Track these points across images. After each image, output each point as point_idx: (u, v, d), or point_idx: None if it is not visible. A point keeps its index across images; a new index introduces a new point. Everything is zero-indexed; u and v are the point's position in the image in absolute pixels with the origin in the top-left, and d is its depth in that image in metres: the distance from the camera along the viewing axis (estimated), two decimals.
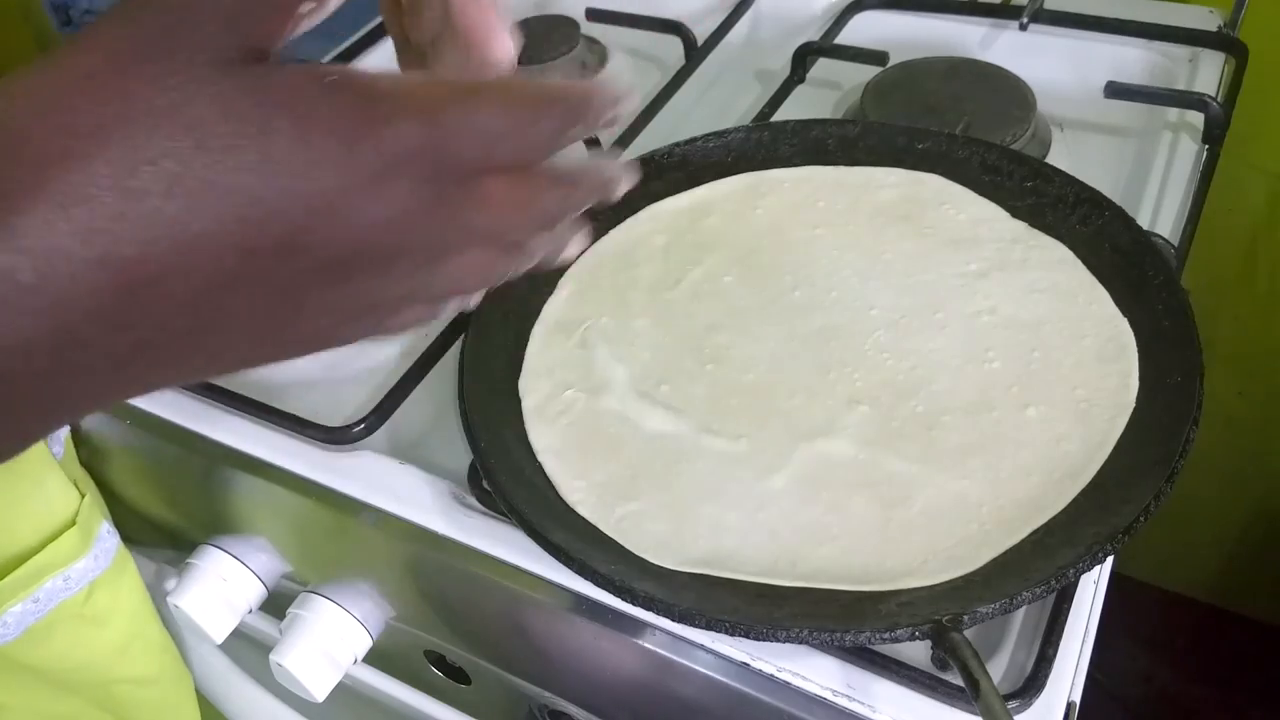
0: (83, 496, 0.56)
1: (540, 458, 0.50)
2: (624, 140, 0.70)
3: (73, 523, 0.55)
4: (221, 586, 0.58)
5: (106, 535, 0.57)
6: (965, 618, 0.39)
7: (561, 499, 0.48)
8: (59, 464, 0.56)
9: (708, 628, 0.41)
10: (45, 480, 0.54)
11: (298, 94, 0.25)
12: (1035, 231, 0.56)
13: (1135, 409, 0.47)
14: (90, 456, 0.62)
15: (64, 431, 0.59)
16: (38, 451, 0.54)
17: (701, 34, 0.79)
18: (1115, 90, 0.67)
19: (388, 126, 0.25)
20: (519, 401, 0.53)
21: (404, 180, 0.25)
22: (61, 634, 0.55)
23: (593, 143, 0.68)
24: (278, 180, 0.24)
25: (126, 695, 0.60)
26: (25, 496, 0.53)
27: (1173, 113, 0.68)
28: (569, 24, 0.83)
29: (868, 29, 0.78)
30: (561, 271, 0.58)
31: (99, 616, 0.57)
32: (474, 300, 0.33)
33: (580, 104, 0.28)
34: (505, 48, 0.33)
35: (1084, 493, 0.45)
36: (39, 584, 0.53)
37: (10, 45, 1.34)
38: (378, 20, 0.87)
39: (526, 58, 0.81)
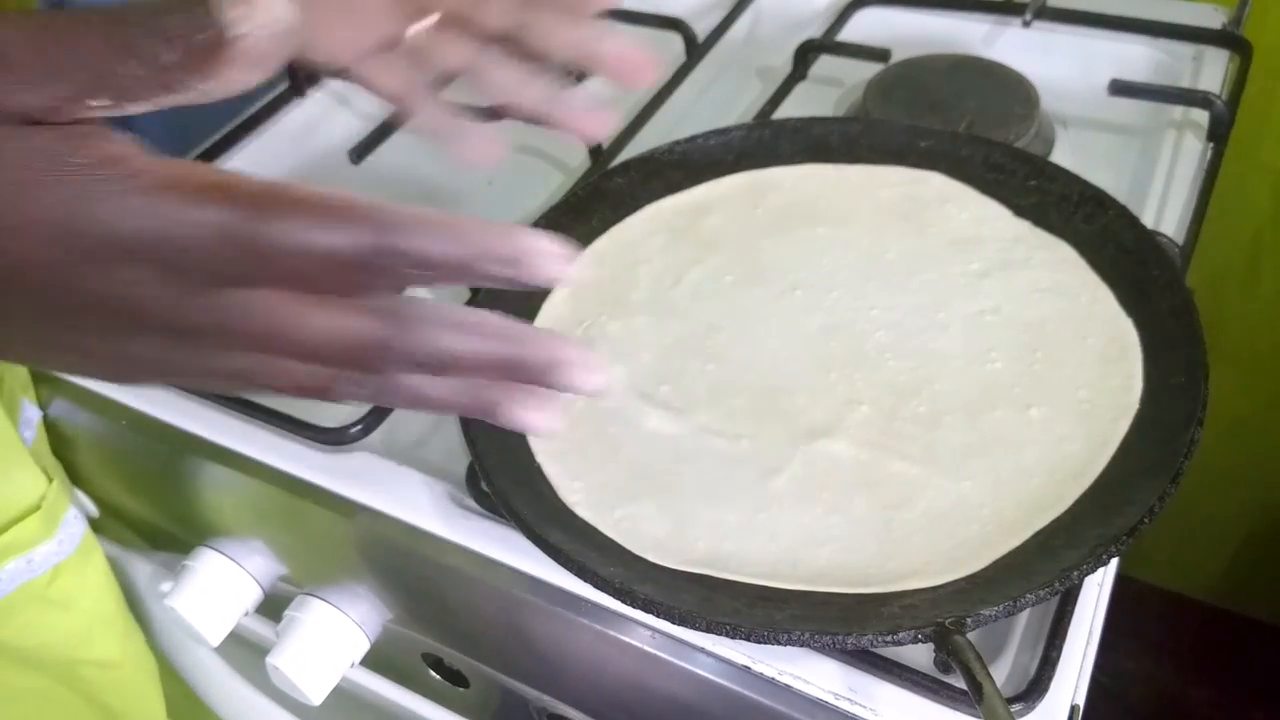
0: (50, 482, 0.57)
1: (539, 459, 0.50)
2: (624, 138, 0.69)
3: (38, 507, 0.55)
4: (218, 589, 0.58)
5: (72, 521, 0.58)
6: (968, 620, 0.38)
7: (560, 500, 0.48)
8: (28, 450, 0.57)
9: (708, 631, 0.40)
10: (12, 465, 0.55)
11: (53, 162, 0.27)
12: (1038, 230, 0.56)
13: (1139, 409, 0.47)
14: (85, 458, 0.62)
15: (35, 416, 0.60)
16: (6, 437, 0.55)
17: (702, 31, 0.78)
18: (1119, 88, 0.66)
19: (117, 207, 0.26)
20: None
21: (139, 262, 0.26)
22: (25, 614, 0.56)
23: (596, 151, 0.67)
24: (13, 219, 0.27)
25: (92, 676, 0.61)
26: None
27: (1177, 110, 0.67)
28: None
29: (870, 26, 0.77)
30: None
31: (63, 600, 0.58)
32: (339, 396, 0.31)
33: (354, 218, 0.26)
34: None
35: (1087, 494, 0.44)
36: (1, 565, 0.54)
37: None
38: None
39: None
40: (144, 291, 0.27)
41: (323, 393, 0.29)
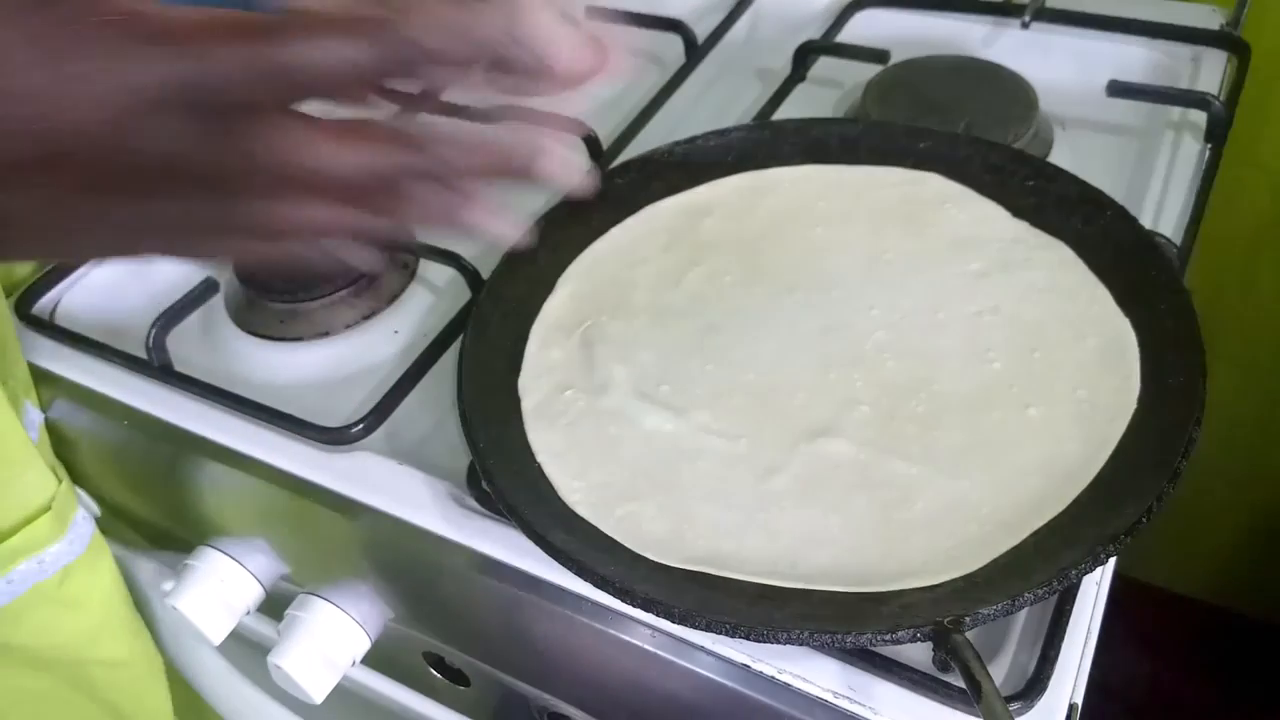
0: (59, 482, 0.57)
1: (539, 458, 0.50)
2: (623, 139, 0.69)
3: (48, 508, 0.55)
4: (219, 588, 0.58)
5: (82, 521, 0.58)
6: (967, 619, 0.39)
7: (561, 499, 0.48)
8: (37, 451, 0.57)
9: (708, 629, 0.40)
10: (24, 466, 0.55)
11: (78, 28, 0.28)
12: (1037, 231, 0.56)
13: (1137, 409, 0.47)
14: (88, 458, 0.62)
15: (38, 419, 0.60)
16: (17, 438, 0.55)
17: (702, 32, 0.78)
18: (1117, 89, 0.66)
19: (144, 60, 0.28)
20: (518, 401, 0.52)
21: (171, 109, 0.28)
22: (35, 615, 0.56)
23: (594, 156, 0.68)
24: (38, 105, 0.27)
25: (99, 676, 0.61)
26: (3, 481, 0.54)
27: (1175, 112, 0.67)
28: None
29: (869, 27, 0.77)
30: (561, 271, 0.58)
31: (73, 600, 0.58)
32: (369, 260, 0.34)
33: (388, 32, 0.29)
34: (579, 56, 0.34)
35: (1086, 493, 0.44)
36: (13, 566, 0.54)
37: None
38: None
39: None
40: (180, 141, 0.28)
41: (346, 234, 0.32)
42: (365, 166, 0.31)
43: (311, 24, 0.29)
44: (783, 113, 0.71)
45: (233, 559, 0.59)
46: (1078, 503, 0.44)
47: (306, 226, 0.31)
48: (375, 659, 0.58)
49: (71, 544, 0.57)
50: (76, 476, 0.62)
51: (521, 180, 0.32)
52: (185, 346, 0.61)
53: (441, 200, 0.32)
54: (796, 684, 0.43)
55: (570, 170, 0.33)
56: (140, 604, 0.64)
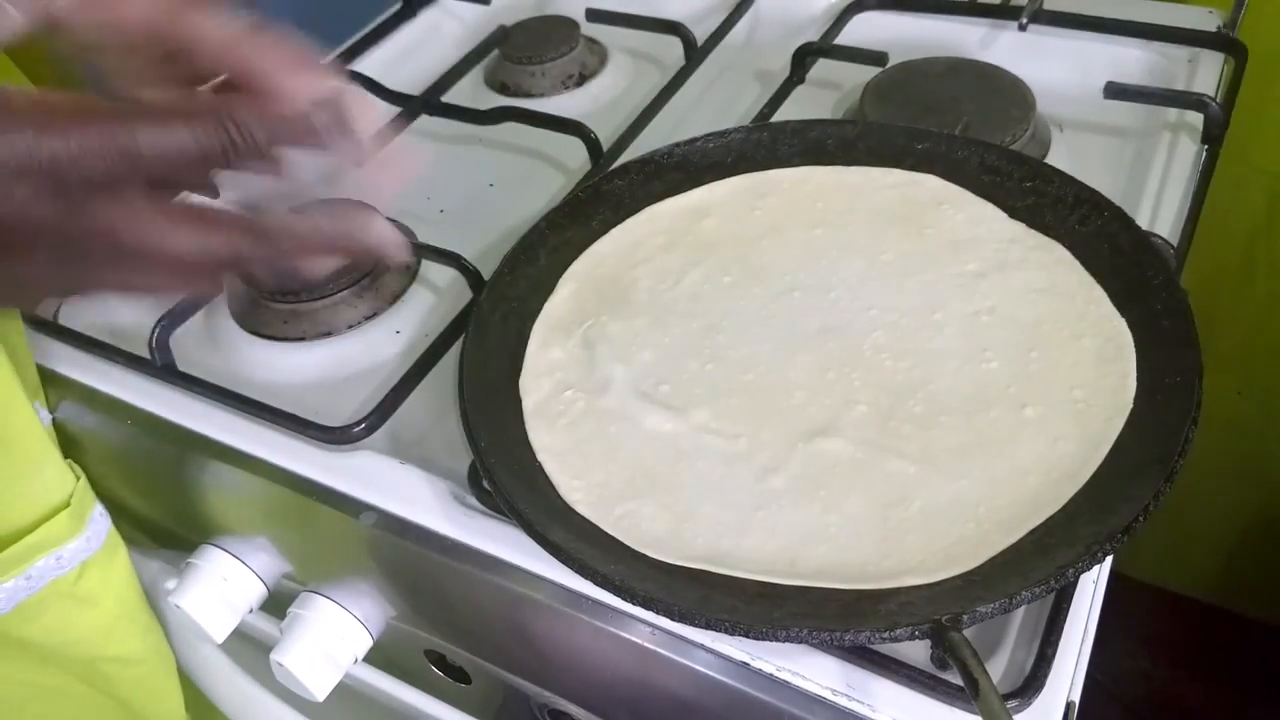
0: (78, 479, 0.58)
1: (540, 457, 0.50)
2: (624, 141, 0.70)
3: (67, 504, 0.56)
4: (222, 586, 0.58)
5: (99, 518, 0.59)
6: (965, 617, 0.39)
7: (561, 498, 0.48)
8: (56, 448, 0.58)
9: (707, 627, 0.41)
10: (43, 462, 0.56)
11: None
12: (1034, 232, 0.56)
13: (1134, 409, 0.47)
14: (91, 456, 0.62)
15: (46, 420, 0.60)
16: (36, 434, 0.56)
17: (701, 34, 0.79)
18: (1114, 91, 0.67)
19: (7, 134, 0.30)
20: (519, 401, 0.53)
21: (29, 181, 0.30)
22: (52, 611, 0.57)
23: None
24: None
25: (113, 673, 0.62)
26: (22, 477, 0.55)
27: (1172, 113, 0.68)
28: (569, 24, 0.83)
29: (867, 29, 0.78)
30: (562, 271, 0.59)
31: (89, 596, 0.58)
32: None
33: (220, 119, 0.32)
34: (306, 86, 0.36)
35: (1083, 492, 0.45)
36: (32, 561, 0.54)
37: None
38: (378, 20, 0.87)
39: (527, 58, 0.81)
40: (35, 209, 0.30)
41: (182, 293, 0.36)
42: (198, 248, 0.33)
43: (160, 112, 0.32)
44: (782, 114, 0.71)
45: (235, 558, 0.59)
46: (1075, 502, 0.44)
47: (144, 290, 0.34)
48: (377, 657, 0.58)
49: (89, 540, 0.57)
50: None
51: (348, 254, 0.38)
52: (188, 346, 0.62)
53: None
54: (795, 681, 0.43)
55: (392, 242, 0.37)
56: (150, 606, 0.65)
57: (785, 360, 0.53)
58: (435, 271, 0.65)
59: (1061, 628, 0.43)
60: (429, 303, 0.64)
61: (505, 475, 0.47)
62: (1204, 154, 0.65)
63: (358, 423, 0.54)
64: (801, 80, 0.75)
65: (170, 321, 0.60)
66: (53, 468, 0.56)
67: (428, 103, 0.75)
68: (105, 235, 0.32)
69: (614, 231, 0.61)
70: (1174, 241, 0.57)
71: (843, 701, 0.43)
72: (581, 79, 0.82)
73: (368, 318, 0.63)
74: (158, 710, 0.65)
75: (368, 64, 0.83)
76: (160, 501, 0.64)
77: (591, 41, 0.84)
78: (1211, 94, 0.67)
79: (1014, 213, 0.57)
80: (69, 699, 0.60)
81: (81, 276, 0.33)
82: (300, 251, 0.35)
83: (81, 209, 0.31)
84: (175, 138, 0.31)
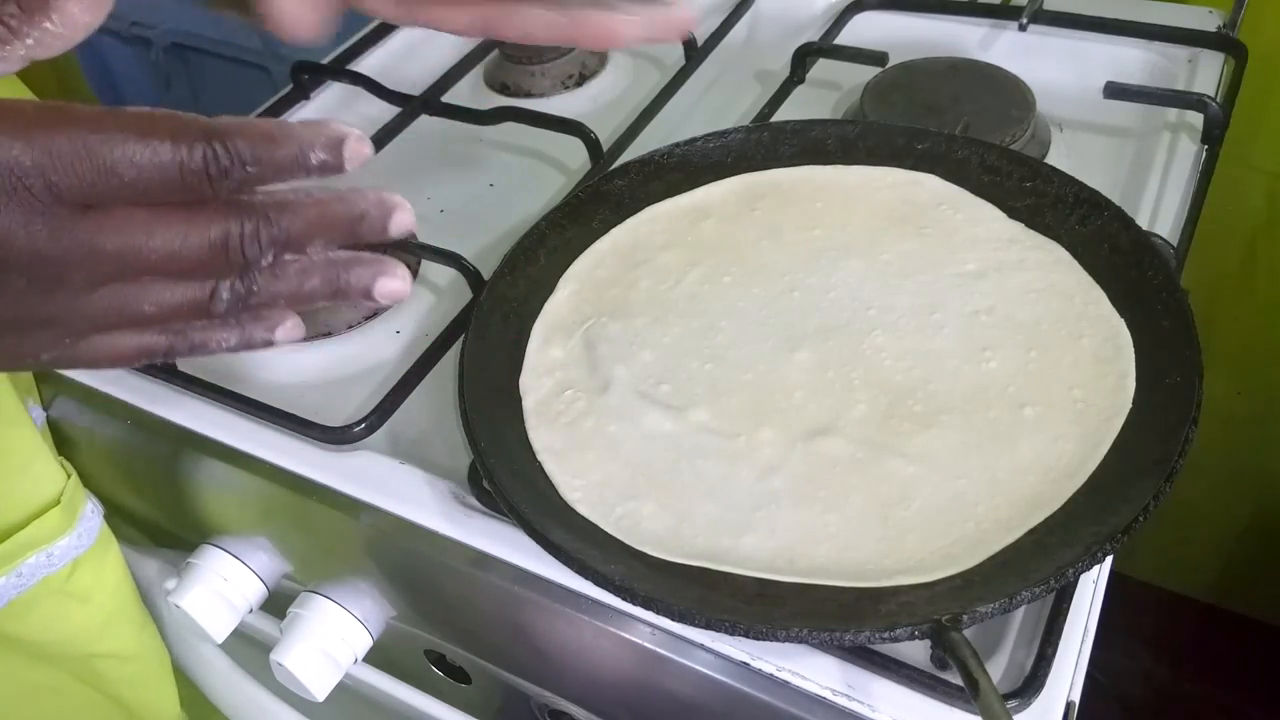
0: (69, 476, 0.57)
1: (540, 457, 0.50)
2: (624, 141, 0.70)
3: (58, 501, 0.56)
4: (222, 586, 0.58)
5: (90, 514, 0.58)
6: (965, 617, 0.39)
7: (561, 498, 0.48)
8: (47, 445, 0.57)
9: (707, 627, 0.41)
10: (32, 459, 0.56)
11: None
12: (1033, 232, 0.56)
13: (1133, 409, 0.47)
14: (90, 457, 0.62)
15: (40, 417, 0.60)
16: (25, 430, 0.56)
17: (701, 34, 0.79)
18: (1114, 91, 0.67)
19: None
20: (519, 401, 0.53)
21: (7, 194, 0.28)
22: (44, 608, 0.56)
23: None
24: None
25: (106, 669, 0.62)
26: (12, 474, 0.54)
27: (1172, 113, 0.68)
28: None
29: (867, 29, 0.78)
30: (562, 271, 0.59)
31: (81, 593, 0.58)
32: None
33: (207, 131, 0.30)
34: None
35: (1083, 492, 0.45)
36: (23, 559, 0.54)
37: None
38: (378, 20, 0.87)
39: (527, 58, 0.81)
40: (19, 231, 0.29)
41: (202, 312, 0.32)
42: (193, 239, 0.31)
43: (142, 125, 0.29)
44: (782, 114, 0.71)
45: (235, 557, 0.59)
46: (1074, 501, 0.44)
47: (160, 309, 0.32)
48: (377, 657, 0.58)
49: (80, 537, 0.57)
50: (78, 476, 0.62)
51: (354, 237, 0.35)
52: None
53: (295, 280, 0.34)
54: (795, 681, 0.43)
55: (395, 211, 0.36)
56: (143, 602, 0.65)
57: (785, 360, 0.53)
58: (435, 271, 0.65)
59: (1061, 628, 0.43)
60: (429, 303, 0.64)
61: (505, 475, 0.47)
62: (1204, 154, 0.65)
63: (358, 423, 0.54)
64: (801, 80, 0.75)
65: None
66: (43, 464, 0.56)
67: (428, 103, 0.75)
68: (83, 245, 0.30)
69: (614, 231, 0.61)
70: (1174, 241, 0.57)
71: (843, 701, 0.43)
72: (581, 79, 0.82)
73: (368, 318, 0.63)
74: (152, 707, 0.65)
75: (368, 64, 0.83)
76: (160, 501, 0.64)
77: None
78: (1211, 94, 0.67)
79: (1013, 213, 0.57)
80: (62, 696, 0.60)
81: (66, 308, 0.31)
82: (305, 234, 0.33)
83: (57, 224, 0.29)
84: (155, 153, 0.29)
